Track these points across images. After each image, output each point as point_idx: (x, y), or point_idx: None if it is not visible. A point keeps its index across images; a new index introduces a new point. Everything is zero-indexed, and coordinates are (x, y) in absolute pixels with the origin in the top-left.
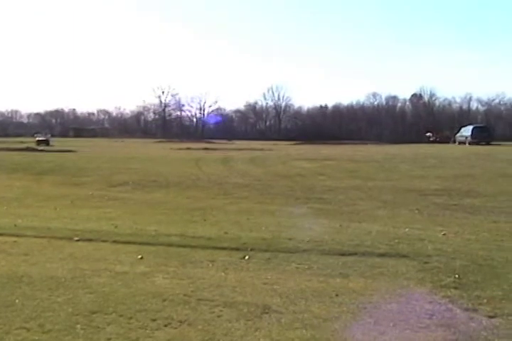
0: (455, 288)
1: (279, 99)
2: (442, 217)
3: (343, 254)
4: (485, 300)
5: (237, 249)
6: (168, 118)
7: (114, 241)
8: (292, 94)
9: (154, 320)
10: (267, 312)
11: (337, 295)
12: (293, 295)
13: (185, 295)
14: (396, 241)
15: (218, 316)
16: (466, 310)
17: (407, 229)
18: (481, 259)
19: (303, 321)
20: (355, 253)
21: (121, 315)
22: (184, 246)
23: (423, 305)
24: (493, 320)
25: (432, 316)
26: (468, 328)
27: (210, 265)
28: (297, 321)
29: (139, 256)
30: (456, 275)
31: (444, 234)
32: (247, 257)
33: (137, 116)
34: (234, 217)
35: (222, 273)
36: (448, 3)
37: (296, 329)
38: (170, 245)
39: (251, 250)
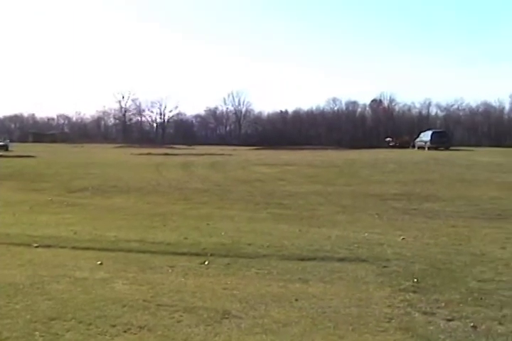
0: (414, 291)
1: (239, 104)
2: (401, 222)
3: (302, 259)
4: (443, 304)
5: (196, 255)
6: (128, 123)
7: (74, 247)
8: (253, 99)
9: (114, 326)
10: (226, 318)
11: (296, 299)
12: (253, 300)
13: (144, 300)
14: (355, 245)
15: (178, 321)
16: (425, 313)
17: (366, 234)
18: (440, 263)
19: (263, 326)
20: (315, 258)
21: (80, 322)
22: (144, 252)
23: (382, 309)
24: (451, 323)
25: (390, 320)
26: (426, 331)
27: (170, 270)
28: (257, 326)
29: (99, 262)
30: (415, 279)
31: (403, 239)
32: (206, 262)
33: (97, 121)
34: (194, 222)
35: (182, 279)
36: (407, 8)
37: (256, 334)
38: (129, 251)
39: (211, 255)
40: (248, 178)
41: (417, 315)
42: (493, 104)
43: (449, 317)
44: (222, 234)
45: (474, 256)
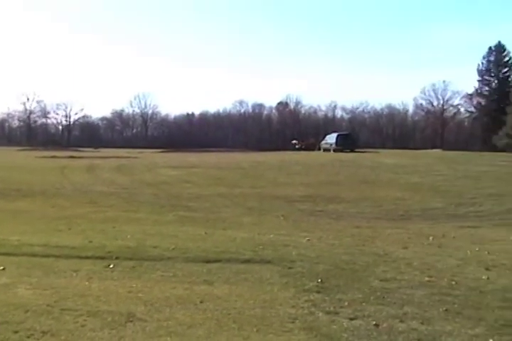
0: (318, 292)
1: (145, 106)
2: (307, 223)
3: (207, 261)
4: (346, 303)
5: (101, 258)
6: (33, 125)
7: None
8: (159, 101)
9: (16, 332)
10: (131, 321)
11: (201, 301)
12: (158, 302)
13: (48, 305)
14: (261, 247)
15: (82, 326)
16: (328, 313)
17: (271, 236)
18: (344, 263)
19: (167, 328)
20: (220, 260)
21: None
22: (48, 256)
23: (286, 310)
24: (353, 321)
25: (295, 320)
26: (329, 330)
27: (74, 274)
28: (162, 328)
29: (1, 267)
30: (319, 280)
31: (308, 240)
32: (111, 266)
33: (1, 123)
34: (99, 225)
35: (87, 283)
36: (317, 12)
37: (161, 337)
38: (33, 255)
39: (116, 258)
40: (154, 181)
41: (320, 314)
42: (398, 106)
43: (351, 316)
44: (128, 237)
45: (377, 256)
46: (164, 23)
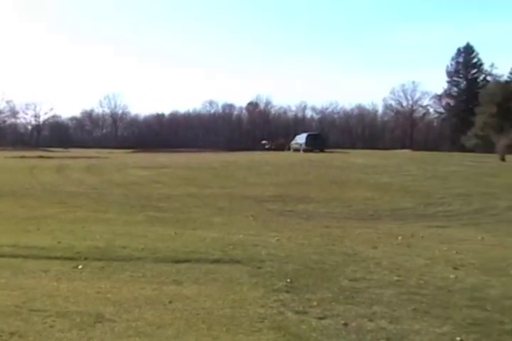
0: (287, 291)
1: (115, 106)
2: (276, 223)
3: (177, 261)
4: (315, 303)
5: (70, 259)
6: (2, 125)
7: None
8: (129, 101)
9: None
10: (100, 321)
11: (170, 302)
12: (126, 303)
13: (16, 306)
14: (230, 247)
15: (51, 326)
16: (297, 312)
17: (241, 236)
18: (313, 263)
19: (136, 329)
20: (189, 260)
21: None
22: (16, 257)
23: (255, 309)
24: (322, 321)
25: (264, 320)
26: (298, 330)
27: (43, 275)
28: (130, 329)
29: None
30: (289, 279)
31: (277, 240)
32: (80, 266)
33: None
34: (68, 225)
35: (55, 283)
36: (287, 12)
37: (130, 337)
38: (2, 256)
39: (85, 259)
40: (124, 181)
41: (289, 314)
42: (367, 107)
43: (321, 316)
44: (97, 237)
45: (347, 256)
46: (135, 23)
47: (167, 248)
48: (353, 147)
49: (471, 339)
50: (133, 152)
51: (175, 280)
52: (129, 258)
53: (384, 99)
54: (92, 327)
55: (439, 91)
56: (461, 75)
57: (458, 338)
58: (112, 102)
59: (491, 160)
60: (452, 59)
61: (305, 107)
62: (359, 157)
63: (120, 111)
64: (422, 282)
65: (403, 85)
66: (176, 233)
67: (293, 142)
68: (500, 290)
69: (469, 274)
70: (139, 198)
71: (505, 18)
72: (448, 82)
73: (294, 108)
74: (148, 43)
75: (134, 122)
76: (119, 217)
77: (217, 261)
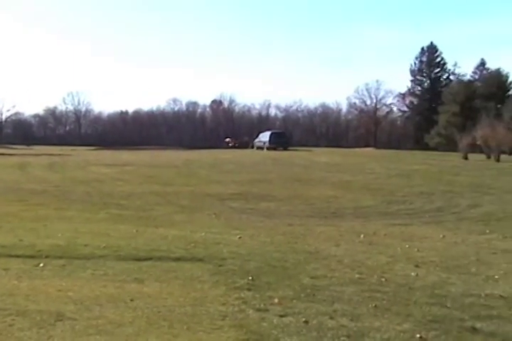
0: (248, 289)
1: (79, 103)
2: (239, 221)
3: (138, 259)
4: (276, 301)
5: (31, 257)
6: None
7: None
8: (93, 99)
9: None
10: (60, 320)
11: (132, 300)
12: (88, 301)
13: None
14: (192, 245)
15: (10, 325)
16: (259, 310)
17: (203, 233)
18: (275, 261)
19: (97, 327)
20: (151, 258)
21: None
22: None
23: (217, 307)
24: (283, 318)
25: (225, 317)
26: (259, 328)
27: (4, 273)
28: (91, 327)
29: None
30: (250, 277)
31: (239, 238)
32: (41, 264)
33: None
34: (30, 223)
35: (15, 282)
36: (247, 10)
37: (90, 336)
38: None
39: (46, 257)
40: (87, 179)
41: (251, 312)
42: (331, 105)
43: (282, 313)
44: (59, 235)
45: (309, 254)
46: (96, 20)
47: (129, 246)
48: (317, 145)
49: (431, 336)
50: (96, 149)
51: (136, 279)
52: (90, 256)
53: (348, 98)
54: (52, 326)
55: (403, 90)
56: (424, 74)
57: (418, 335)
58: (76, 99)
59: (453, 158)
60: (416, 58)
61: (269, 105)
62: (322, 155)
63: (84, 109)
64: (383, 279)
65: (367, 84)
66: (137, 231)
67: (256, 140)
68: (460, 288)
69: (430, 272)
70: (102, 196)
71: (469, 18)
72: (411, 80)
73: (258, 106)
74: (111, 41)
75: (98, 120)
76: (81, 214)
77: (179, 259)
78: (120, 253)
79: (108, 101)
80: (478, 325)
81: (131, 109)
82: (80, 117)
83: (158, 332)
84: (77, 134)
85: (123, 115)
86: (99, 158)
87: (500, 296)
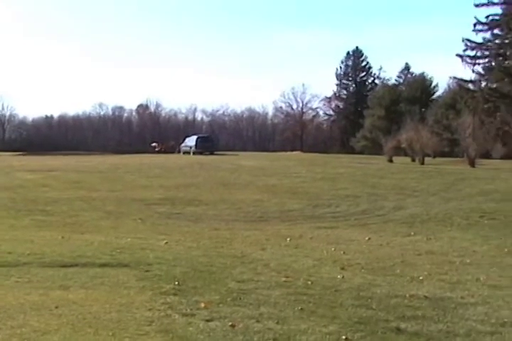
0: (174, 294)
1: (3, 108)
2: (165, 226)
3: (64, 266)
4: (203, 305)
5: None
6: None
7: None
8: (16, 103)
9: None
10: None
11: (57, 307)
12: (11, 309)
13: None
14: (118, 251)
15: None
16: (185, 315)
17: (129, 239)
18: (201, 266)
19: (21, 335)
20: (77, 265)
21: None
22: None
23: (143, 313)
24: (210, 323)
25: (151, 323)
26: (186, 333)
27: None
28: (15, 336)
29: None
30: (176, 282)
31: (166, 243)
32: None
33: None
34: None
35: None
36: (177, 11)
37: None
38: None
39: None
40: (11, 185)
41: (177, 317)
42: (258, 109)
43: (208, 318)
44: None
45: (235, 258)
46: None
47: (54, 252)
48: (244, 149)
49: (356, 338)
50: (21, 155)
51: (62, 285)
52: (14, 263)
53: (274, 102)
54: None
55: (329, 94)
56: (350, 78)
57: (344, 337)
58: (0, 104)
59: (378, 161)
60: (342, 62)
61: (195, 110)
62: (249, 159)
63: (8, 113)
64: (309, 282)
65: (293, 88)
66: (63, 237)
67: (183, 145)
68: (385, 289)
69: (356, 274)
70: (26, 202)
71: (394, 23)
72: (337, 84)
73: (184, 110)
74: (34, 44)
75: (22, 124)
76: (5, 221)
77: (104, 265)
78: (45, 260)
79: (33, 105)
80: (402, 326)
81: (56, 114)
82: (4, 122)
83: (83, 339)
84: (0, 139)
85: (48, 119)
86: (23, 163)
87: (425, 297)
